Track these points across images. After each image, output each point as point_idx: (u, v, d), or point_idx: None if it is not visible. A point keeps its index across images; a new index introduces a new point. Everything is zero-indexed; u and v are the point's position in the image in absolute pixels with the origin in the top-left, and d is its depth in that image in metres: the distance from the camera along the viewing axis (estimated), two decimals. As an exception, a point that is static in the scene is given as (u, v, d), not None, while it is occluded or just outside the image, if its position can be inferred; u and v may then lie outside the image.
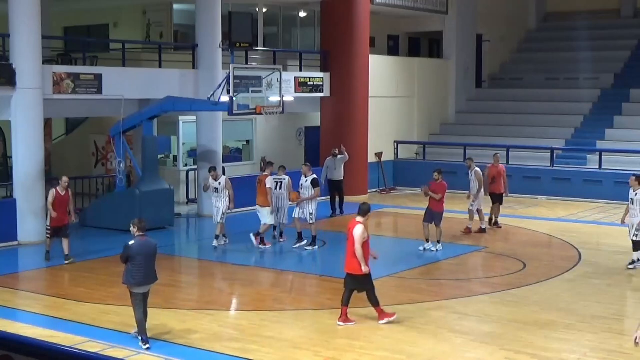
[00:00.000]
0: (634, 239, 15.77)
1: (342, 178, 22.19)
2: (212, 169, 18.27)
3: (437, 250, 17.36)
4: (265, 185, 17.74)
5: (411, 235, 19.23)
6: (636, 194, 15.80)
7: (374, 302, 12.22)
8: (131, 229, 11.31)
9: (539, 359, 10.71)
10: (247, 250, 17.50)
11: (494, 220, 20.19)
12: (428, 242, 17.42)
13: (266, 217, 17.75)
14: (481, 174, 19.72)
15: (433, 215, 17.43)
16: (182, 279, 15.92)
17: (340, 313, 12.18)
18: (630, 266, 15.66)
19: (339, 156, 22.14)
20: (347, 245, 12.21)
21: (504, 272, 15.66)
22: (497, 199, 20.21)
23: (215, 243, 17.88)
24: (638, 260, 15.77)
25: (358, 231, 11.96)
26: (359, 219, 12.16)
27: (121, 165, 20.03)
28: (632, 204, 15.86)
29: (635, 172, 17.72)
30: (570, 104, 29.63)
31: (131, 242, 11.11)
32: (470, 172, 19.81)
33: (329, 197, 22.27)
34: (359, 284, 12.17)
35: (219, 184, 17.89)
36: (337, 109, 25.48)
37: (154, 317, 12.51)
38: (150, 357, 10.67)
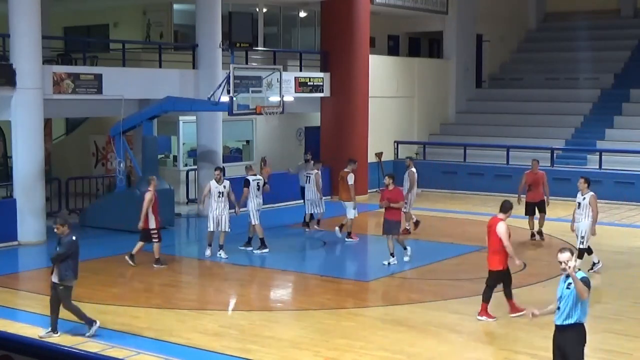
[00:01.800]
0: (581, 246, 15.07)
1: None
2: (218, 169, 17.12)
3: (388, 263, 15.89)
4: (348, 182, 18.28)
5: (411, 235, 19.22)
6: (584, 197, 15.15)
7: (508, 295, 12.51)
8: (62, 227, 11.43)
9: (538, 359, 10.71)
10: (246, 251, 17.48)
11: (537, 230, 18.67)
12: (393, 256, 16.03)
13: (350, 211, 18.29)
14: (415, 175, 19.19)
15: (391, 226, 15.98)
16: (182, 279, 15.92)
17: (480, 308, 12.37)
18: (595, 268, 15.24)
19: (312, 162, 20.62)
20: (488, 241, 12.40)
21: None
22: (534, 208, 18.70)
23: (223, 254, 16.65)
24: (599, 261, 15.44)
25: (502, 228, 12.19)
26: (501, 215, 12.41)
27: (121, 165, 20.03)
28: (578, 208, 15.12)
29: (584, 174, 17.02)
30: (570, 104, 29.64)
31: (74, 238, 11.51)
32: (406, 171, 19.29)
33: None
34: (499, 280, 12.45)
35: (224, 187, 16.69)
36: (337, 109, 25.49)
37: (154, 317, 12.54)
38: (150, 357, 10.67)
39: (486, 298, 12.35)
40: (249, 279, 15.36)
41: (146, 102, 20.88)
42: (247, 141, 26.62)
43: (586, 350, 11.13)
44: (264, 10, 26.54)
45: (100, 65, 21.78)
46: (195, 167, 23.04)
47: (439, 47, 33.14)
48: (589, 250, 15.32)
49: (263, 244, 17.30)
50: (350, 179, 18.40)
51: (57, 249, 11.46)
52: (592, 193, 15.25)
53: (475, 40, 32.04)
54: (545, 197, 18.64)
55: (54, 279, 11.55)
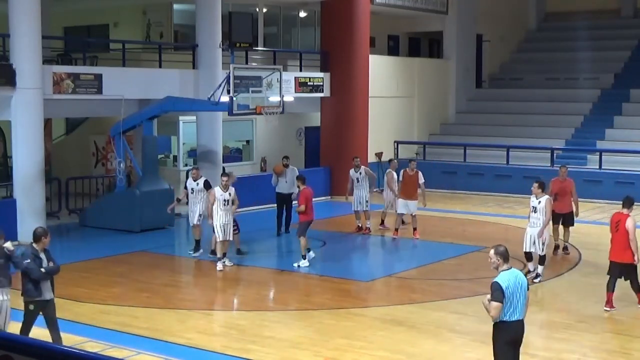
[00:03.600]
0: (540, 253, 14.58)
1: (292, 192, 18.90)
2: (226, 175, 16.04)
3: (298, 265, 15.77)
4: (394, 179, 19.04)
5: (411, 235, 19.21)
6: (539, 201, 14.57)
7: (637, 288, 12.87)
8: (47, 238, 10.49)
9: (539, 359, 10.71)
10: (246, 250, 17.48)
11: (562, 246, 17.18)
12: (309, 251, 16.11)
13: (401, 207, 18.78)
14: (371, 172, 19.53)
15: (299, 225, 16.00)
16: (182, 279, 15.92)
17: (605, 299, 12.73)
18: (537, 280, 14.50)
19: (291, 167, 19.47)
20: (614, 236, 12.77)
21: (504, 272, 15.62)
22: (560, 220, 16.95)
23: (229, 263, 15.85)
24: (540, 274, 14.69)
25: (631, 223, 12.59)
26: (626, 211, 12.81)
27: (121, 165, 20.03)
28: (535, 212, 14.59)
29: (539, 178, 15.74)
30: (570, 104, 29.64)
31: None
32: (359, 171, 19.31)
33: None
34: (627, 272, 12.79)
35: (229, 194, 15.76)
36: (337, 109, 25.49)
37: (154, 317, 12.54)
38: (150, 357, 10.67)
39: (611, 288, 12.79)
40: (249, 279, 15.35)
41: (146, 102, 20.88)
42: (247, 141, 26.62)
43: (586, 350, 11.17)
44: (264, 10, 26.54)
45: (100, 65, 21.78)
46: (196, 167, 23.02)
47: (439, 47, 33.15)
48: (529, 257, 14.77)
49: (198, 245, 17.07)
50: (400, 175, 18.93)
51: (49, 261, 10.45)
52: (547, 197, 14.77)
53: (475, 40, 32.05)
54: (574, 208, 17.11)
55: (51, 294, 10.49)
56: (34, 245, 10.49)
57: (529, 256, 14.82)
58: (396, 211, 19.02)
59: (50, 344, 6.62)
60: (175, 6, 26.12)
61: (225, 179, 15.81)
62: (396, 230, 18.88)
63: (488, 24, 32.63)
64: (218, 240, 15.84)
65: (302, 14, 27.79)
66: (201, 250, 16.96)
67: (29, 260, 10.29)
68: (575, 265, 16.30)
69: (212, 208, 15.70)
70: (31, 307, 10.40)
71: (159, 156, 22.28)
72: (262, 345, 11.17)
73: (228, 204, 15.70)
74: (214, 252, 16.18)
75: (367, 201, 19.37)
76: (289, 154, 24.30)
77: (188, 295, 14.54)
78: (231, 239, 15.95)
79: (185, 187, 17.30)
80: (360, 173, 19.43)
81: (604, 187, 24.42)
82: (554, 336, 11.62)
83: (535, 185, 14.81)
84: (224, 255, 15.89)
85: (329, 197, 24.46)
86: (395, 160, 20.31)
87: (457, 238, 19.01)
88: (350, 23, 25.20)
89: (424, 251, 18.02)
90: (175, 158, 25.08)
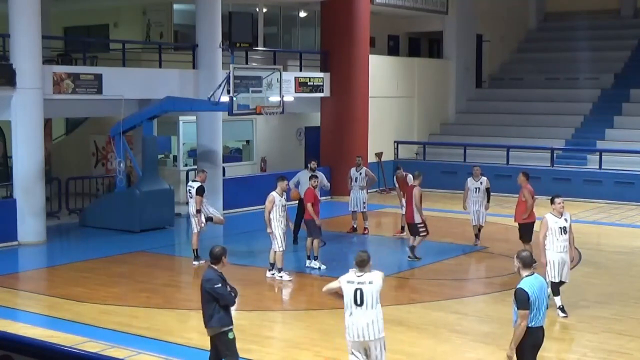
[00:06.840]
0: (566, 280, 12.50)
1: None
2: (284, 178, 14.99)
3: (317, 267, 15.65)
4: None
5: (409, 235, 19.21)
6: (565, 219, 12.34)
7: None
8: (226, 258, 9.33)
9: (539, 359, 10.69)
10: (247, 250, 17.48)
11: None
12: (313, 258, 15.82)
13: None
14: (372, 174, 19.59)
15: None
16: (182, 279, 15.92)
17: None
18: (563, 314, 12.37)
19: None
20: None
21: (504, 272, 15.63)
22: (520, 232, 15.54)
23: (286, 276, 14.94)
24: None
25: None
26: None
27: (121, 165, 20.04)
28: (564, 233, 12.20)
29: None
30: (570, 104, 29.64)
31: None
32: (360, 171, 19.28)
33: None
34: None
35: (285, 198, 14.84)
36: (337, 109, 25.50)
37: (154, 317, 12.54)
38: (150, 357, 10.67)
39: None
40: (249, 279, 15.35)
41: (146, 102, 20.87)
42: (247, 141, 26.62)
43: (586, 350, 11.17)
44: (264, 10, 26.54)
45: (100, 65, 21.78)
46: (195, 167, 23.02)
47: (439, 47, 33.15)
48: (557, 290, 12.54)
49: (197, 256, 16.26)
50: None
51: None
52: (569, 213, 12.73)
53: (475, 40, 32.05)
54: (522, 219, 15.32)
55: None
56: (214, 266, 9.19)
57: (557, 290, 12.46)
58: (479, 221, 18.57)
59: (50, 344, 6.60)
60: (175, 6, 26.13)
61: (284, 183, 14.83)
62: (402, 228, 18.93)
63: (488, 24, 32.64)
64: (278, 250, 14.82)
65: (302, 14, 27.80)
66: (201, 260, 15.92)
67: (219, 285, 9.09)
68: (575, 265, 16.27)
69: (270, 216, 14.68)
70: (231, 335, 9.38)
71: (159, 156, 22.28)
72: (262, 345, 11.18)
73: (285, 210, 14.82)
74: (275, 267, 15.01)
75: (364, 202, 19.37)
76: (289, 154, 24.26)
77: (188, 295, 14.52)
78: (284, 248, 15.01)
79: (202, 195, 15.99)
80: (360, 173, 19.43)
81: (604, 187, 24.44)
82: (553, 336, 11.61)
83: (561, 200, 12.38)
84: (280, 268, 15.02)
85: (329, 197, 24.44)
86: (478, 167, 19.06)
87: (457, 238, 19.02)
88: (350, 23, 25.21)
89: (424, 251, 18.00)
90: (175, 158, 25.09)
